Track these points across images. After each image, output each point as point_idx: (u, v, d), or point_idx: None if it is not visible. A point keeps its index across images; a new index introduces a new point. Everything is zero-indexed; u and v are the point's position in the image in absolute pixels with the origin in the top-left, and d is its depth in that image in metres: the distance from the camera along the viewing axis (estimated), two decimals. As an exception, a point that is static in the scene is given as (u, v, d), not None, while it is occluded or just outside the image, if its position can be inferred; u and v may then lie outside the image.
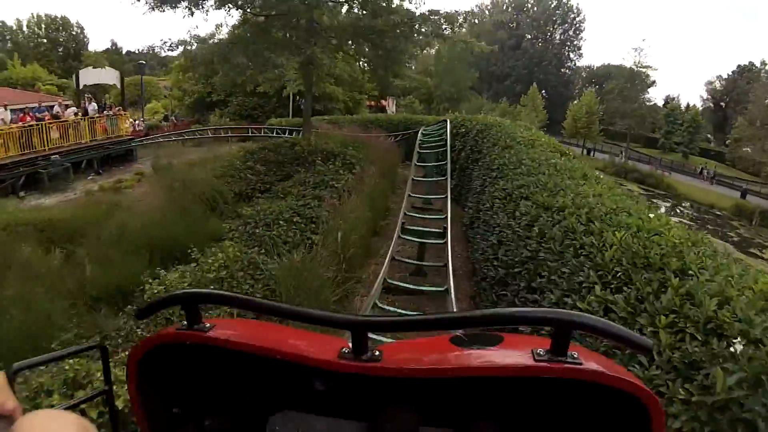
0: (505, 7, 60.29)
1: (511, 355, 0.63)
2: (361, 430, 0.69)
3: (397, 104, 43.36)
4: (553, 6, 58.25)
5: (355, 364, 0.64)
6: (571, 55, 59.84)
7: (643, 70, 40.06)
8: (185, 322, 0.73)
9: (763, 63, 47.99)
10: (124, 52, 58.24)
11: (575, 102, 38.93)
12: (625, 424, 0.61)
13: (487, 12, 61.30)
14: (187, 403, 0.81)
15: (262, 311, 0.73)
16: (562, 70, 57.87)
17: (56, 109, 17.91)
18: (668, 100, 49.88)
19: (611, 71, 53.20)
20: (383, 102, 37.38)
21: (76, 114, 17.84)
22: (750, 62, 49.98)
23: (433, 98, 46.98)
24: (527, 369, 0.59)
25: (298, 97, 27.38)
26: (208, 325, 0.73)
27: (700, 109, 47.67)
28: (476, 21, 60.50)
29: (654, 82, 42.62)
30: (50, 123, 15.96)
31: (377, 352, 0.65)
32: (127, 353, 1.00)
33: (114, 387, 1.19)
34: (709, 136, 48.92)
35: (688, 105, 47.38)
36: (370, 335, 0.67)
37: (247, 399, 0.78)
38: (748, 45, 79.40)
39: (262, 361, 0.68)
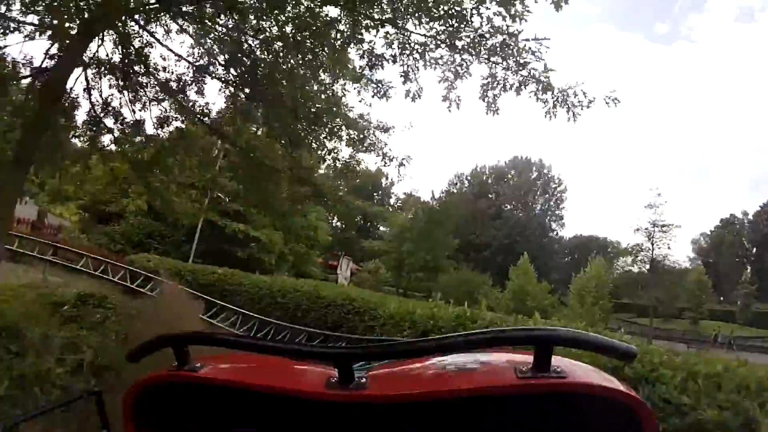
0: (485, 178, 59.45)
1: (496, 373, 0.64)
2: None
3: (353, 269, 35.64)
4: (533, 177, 57.73)
5: (343, 393, 0.65)
6: (553, 225, 57.69)
7: (664, 228, 31.32)
8: (176, 363, 0.74)
9: (745, 213, 49.47)
10: None
11: (580, 274, 30.81)
12: (614, 428, 0.61)
13: (466, 181, 60.29)
14: None
15: (249, 349, 0.75)
16: (544, 240, 54.33)
17: None
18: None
19: (590, 242, 50.44)
20: (333, 263, 29.98)
21: None
22: (731, 215, 51.38)
23: (405, 266, 40.15)
24: (511, 387, 0.60)
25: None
26: (199, 364, 0.75)
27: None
28: (454, 190, 59.16)
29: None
30: None
31: (363, 380, 0.66)
32: None
33: None
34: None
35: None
36: None
37: None
38: (705, 204, 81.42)
39: (256, 396, 0.70)
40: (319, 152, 7.28)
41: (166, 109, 6.99)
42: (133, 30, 6.35)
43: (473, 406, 0.64)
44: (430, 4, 5.04)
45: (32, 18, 5.67)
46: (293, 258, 26.72)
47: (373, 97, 6.66)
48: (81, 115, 6.95)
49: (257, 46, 6.30)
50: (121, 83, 6.54)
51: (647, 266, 33.43)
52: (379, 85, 6.56)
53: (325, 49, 5.71)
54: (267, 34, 6.16)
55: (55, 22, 5.03)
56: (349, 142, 7.18)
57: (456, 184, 60.64)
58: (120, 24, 5.88)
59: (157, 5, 5.78)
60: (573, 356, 0.68)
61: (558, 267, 52.09)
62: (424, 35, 5.40)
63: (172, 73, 6.68)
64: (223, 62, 6.50)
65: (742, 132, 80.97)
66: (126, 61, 6.34)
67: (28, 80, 6.39)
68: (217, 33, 6.35)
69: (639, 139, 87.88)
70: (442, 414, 0.66)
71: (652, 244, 32.13)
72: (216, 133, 7.48)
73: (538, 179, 58.05)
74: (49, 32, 5.42)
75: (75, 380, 3.96)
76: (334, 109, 6.85)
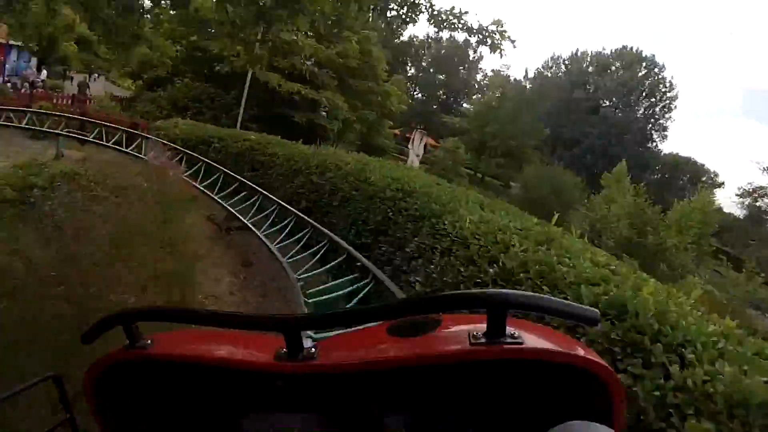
0: (585, 66, 50.08)
1: (447, 340, 0.62)
2: (332, 422, 0.68)
3: (430, 145, 32.12)
4: (641, 74, 47.98)
5: (291, 364, 0.65)
6: (654, 135, 48.81)
7: None
8: (127, 342, 0.73)
9: None
10: None
11: (683, 202, 23.54)
12: (584, 402, 0.59)
13: (563, 66, 51.34)
14: (154, 424, 0.81)
15: (196, 321, 0.72)
16: (641, 149, 46.60)
17: None
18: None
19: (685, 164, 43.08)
20: (409, 135, 26.75)
21: None
22: None
23: (486, 149, 36.18)
24: (462, 353, 0.58)
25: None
26: (149, 342, 0.73)
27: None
28: (549, 74, 50.92)
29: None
30: None
31: (313, 350, 0.65)
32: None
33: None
34: None
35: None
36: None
37: (203, 411, 0.77)
38: None
39: (208, 370, 0.70)
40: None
41: None
42: None
43: (426, 373, 0.62)
44: None
45: None
46: (360, 126, 23.88)
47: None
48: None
49: None
50: None
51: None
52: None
53: None
54: None
55: None
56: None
57: (551, 67, 52.30)
58: None
59: None
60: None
61: (647, 184, 44.26)
62: None
63: None
64: None
65: None
66: None
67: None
68: None
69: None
70: (394, 382, 0.64)
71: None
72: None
73: (646, 78, 47.89)
74: None
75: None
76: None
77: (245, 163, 9.05)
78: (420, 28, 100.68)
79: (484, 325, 0.58)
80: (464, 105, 48.45)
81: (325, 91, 19.77)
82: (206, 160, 8.76)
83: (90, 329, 0.76)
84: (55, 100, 17.04)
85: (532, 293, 0.60)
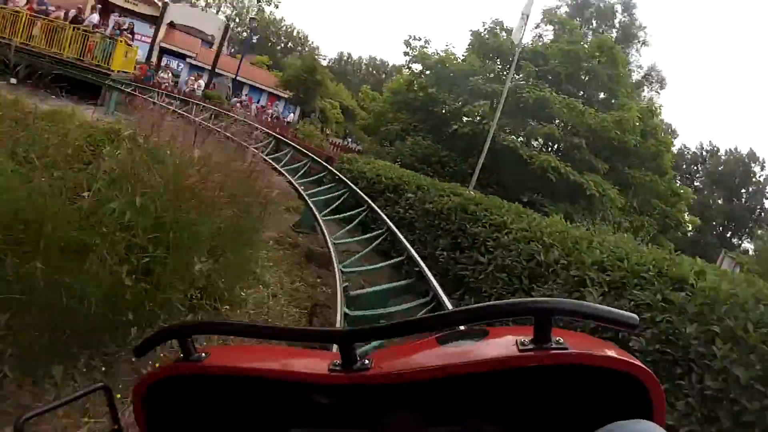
0: None
1: (496, 347, 0.63)
2: None
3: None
4: None
5: (345, 375, 0.66)
6: None
7: None
8: (182, 355, 0.74)
9: None
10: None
11: None
12: (625, 404, 0.58)
13: None
14: None
15: (251, 335, 0.76)
16: None
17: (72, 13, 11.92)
18: None
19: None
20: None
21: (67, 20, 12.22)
22: None
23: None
24: (512, 360, 0.59)
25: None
26: (203, 354, 0.74)
27: None
28: None
29: None
30: (33, 16, 12.22)
31: (366, 361, 0.67)
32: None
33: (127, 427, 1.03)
34: None
35: None
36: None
37: (254, 425, 0.79)
38: None
39: (262, 383, 0.71)
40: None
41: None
42: None
43: (476, 381, 0.63)
44: None
45: None
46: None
47: None
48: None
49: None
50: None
51: None
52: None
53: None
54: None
55: None
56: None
57: None
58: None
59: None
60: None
61: None
62: None
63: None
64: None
65: None
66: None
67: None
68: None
69: None
70: (446, 391, 0.65)
71: None
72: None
73: None
74: None
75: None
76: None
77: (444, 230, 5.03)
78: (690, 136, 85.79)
79: (530, 334, 0.60)
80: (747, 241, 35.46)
81: (590, 174, 13.99)
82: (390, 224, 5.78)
83: (144, 341, 0.79)
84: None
85: (575, 300, 0.61)
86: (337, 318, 3.82)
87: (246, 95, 28.08)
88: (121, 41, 12.62)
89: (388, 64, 64.66)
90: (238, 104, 21.75)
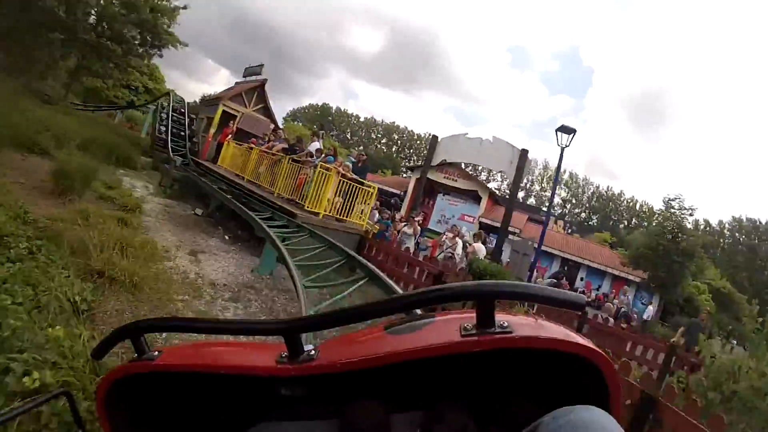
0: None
1: (439, 333, 0.62)
2: (332, 428, 0.70)
3: None
4: None
5: (292, 366, 0.65)
6: None
7: None
8: (135, 354, 0.75)
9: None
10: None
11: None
12: (580, 387, 0.58)
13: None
14: None
15: (198, 330, 0.74)
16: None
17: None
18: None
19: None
20: None
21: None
22: None
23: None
24: (455, 345, 0.58)
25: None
26: (156, 353, 0.74)
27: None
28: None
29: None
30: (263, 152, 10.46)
31: (312, 352, 0.66)
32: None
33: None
34: None
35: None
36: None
37: (215, 421, 0.79)
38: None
39: (215, 379, 0.70)
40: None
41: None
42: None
43: (420, 367, 0.62)
44: None
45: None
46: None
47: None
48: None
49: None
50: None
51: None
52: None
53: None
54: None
55: None
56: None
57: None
58: None
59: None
60: None
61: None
62: None
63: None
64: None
65: None
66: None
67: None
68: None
69: None
70: (391, 378, 0.65)
71: None
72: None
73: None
74: None
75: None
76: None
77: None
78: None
79: (475, 318, 0.58)
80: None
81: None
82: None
83: (99, 344, 0.78)
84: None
85: (519, 282, 0.59)
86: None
87: (582, 279, 20.98)
88: (332, 169, 7.98)
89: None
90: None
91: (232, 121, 15.77)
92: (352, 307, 0.64)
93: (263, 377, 0.66)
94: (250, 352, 0.75)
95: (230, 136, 13.50)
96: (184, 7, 18.31)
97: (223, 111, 18.40)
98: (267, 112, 20.01)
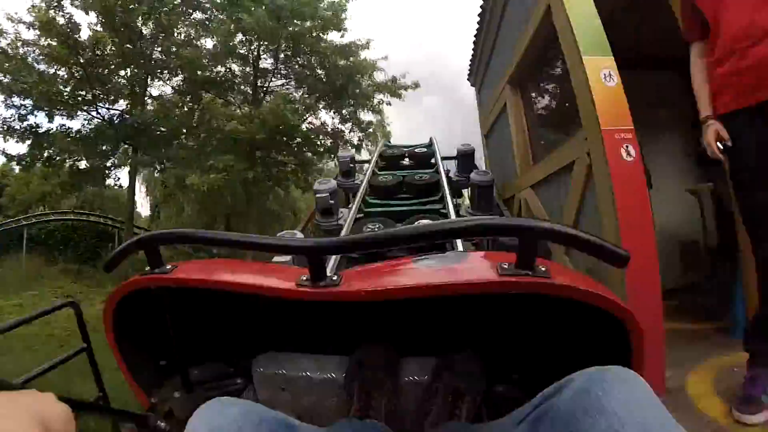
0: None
1: (475, 270, 0.58)
2: (343, 364, 0.69)
3: None
4: None
5: (312, 290, 0.60)
6: None
7: None
8: (149, 267, 0.71)
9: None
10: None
11: None
12: (604, 343, 0.56)
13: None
14: (173, 354, 0.79)
15: (219, 244, 0.69)
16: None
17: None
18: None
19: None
20: None
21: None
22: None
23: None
24: (492, 284, 0.54)
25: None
26: (170, 267, 0.71)
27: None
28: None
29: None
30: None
31: (335, 277, 0.61)
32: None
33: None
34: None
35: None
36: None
37: (228, 344, 0.78)
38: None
39: (230, 299, 0.67)
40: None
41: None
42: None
43: (450, 305, 0.59)
44: None
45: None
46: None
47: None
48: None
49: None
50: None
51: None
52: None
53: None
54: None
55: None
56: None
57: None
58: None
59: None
60: None
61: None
62: None
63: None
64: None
65: None
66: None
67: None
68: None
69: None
70: (418, 313, 0.62)
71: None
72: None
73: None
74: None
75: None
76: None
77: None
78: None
79: (513, 260, 0.54)
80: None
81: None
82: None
83: (112, 255, 0.72)
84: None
85: (564, 224, 0.53)
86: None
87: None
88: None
89: None
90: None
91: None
92: (383, 233, 0.57)
93: (278, 302, 0.62)
94: (269, 273, 0.71)
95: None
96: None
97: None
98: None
